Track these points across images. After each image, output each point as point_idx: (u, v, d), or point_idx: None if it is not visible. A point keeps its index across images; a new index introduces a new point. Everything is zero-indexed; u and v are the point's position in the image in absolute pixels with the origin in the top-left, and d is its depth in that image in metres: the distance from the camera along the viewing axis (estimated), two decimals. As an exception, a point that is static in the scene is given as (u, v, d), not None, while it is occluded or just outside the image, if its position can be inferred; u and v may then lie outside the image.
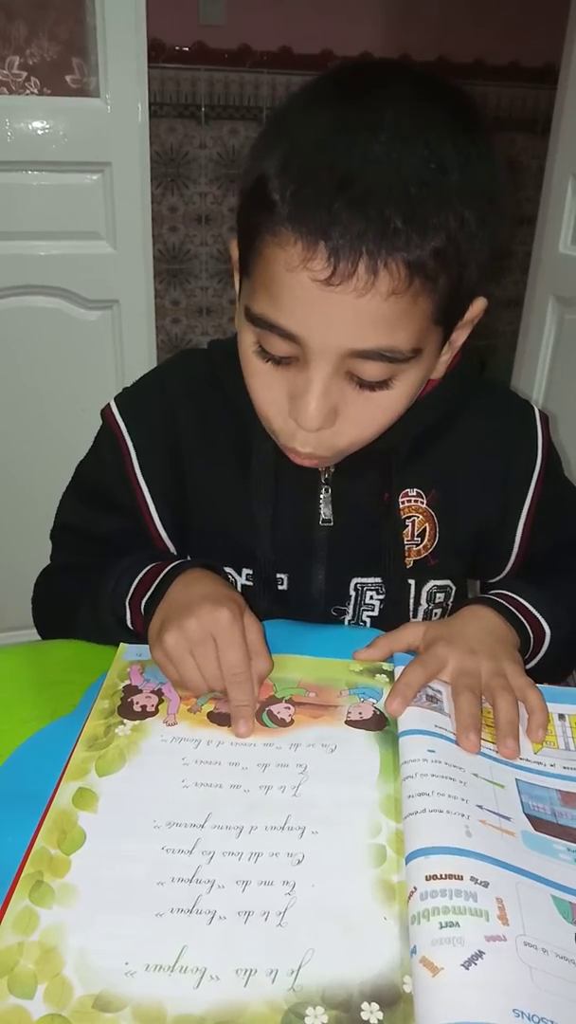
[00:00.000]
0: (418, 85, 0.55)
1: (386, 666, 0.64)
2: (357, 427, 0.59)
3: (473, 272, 0.55)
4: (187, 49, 2.48)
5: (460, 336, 0.62)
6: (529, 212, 2.72)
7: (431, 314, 0.54)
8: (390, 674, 0.63)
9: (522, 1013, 0.38)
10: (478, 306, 0.61)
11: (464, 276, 0.55)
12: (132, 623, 0.67)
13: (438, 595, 0.76)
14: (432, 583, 0.76)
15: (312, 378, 0.55)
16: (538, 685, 0.60)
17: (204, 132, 2.61)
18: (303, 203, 0.50)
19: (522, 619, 0.67)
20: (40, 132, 1.44)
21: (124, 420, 0.74)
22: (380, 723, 0.58)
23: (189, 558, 0.78)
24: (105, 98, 1.45)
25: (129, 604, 0.67)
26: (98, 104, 1.45)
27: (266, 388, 0.59)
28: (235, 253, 0.60)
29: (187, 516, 0.76)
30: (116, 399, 0.75)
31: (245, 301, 0.57)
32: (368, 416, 0.58)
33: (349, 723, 0.58)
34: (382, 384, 0.56)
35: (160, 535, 0.76)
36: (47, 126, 1.44)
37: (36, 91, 1.48)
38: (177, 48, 2.46)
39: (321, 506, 0.72)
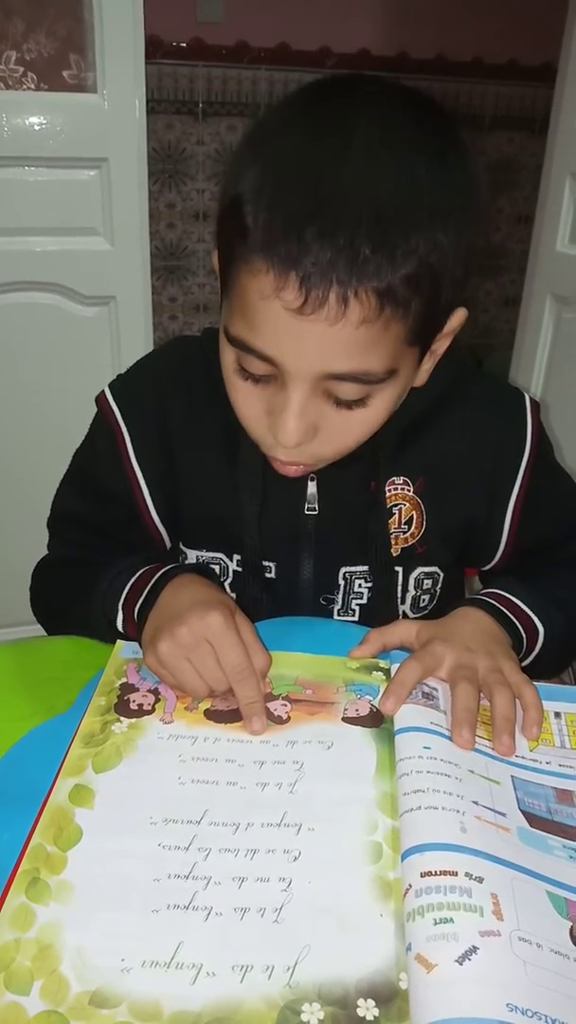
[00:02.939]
0: (391, 101, 0.55)
1: (383, 663, 0.64)
2: (336, 440, 0.60)
3: (448, 290, 0.56)
4: (185, 45, 2.47)
5: (441, 345, 0.63)
6: (527, 210, 2.72)
7: (404, 337, 0.55)
8: (387, 671, 0.63)
9: (516, 1008, 0.38)
10: (458, 317, 0.61)
11: (439, 296, 0.55)
12: (124, 627, 0.67)
13: (425, 582, 0.77)
14: (419, 570, 0.76)
15: (290, 398, 0.56)
16: (535, 683, 0.60)
17: (202, 128, 2.60)
18: (274, 232, 0.51)
19: (514, 620, 0.67)
20: (37, 128, 1.43)
21: (118, 406, 0.74)
22: (377, 720, 0.58)
23: (183, 557, 0.78)
24: (103, 94, 1.44)
25: (122, 608, 0.67)
26: (95, 100, 1.45)
27: (248, 404, 0.60)
28: (216, 265, 0.60)
29: (178, 502, 0.76)
30: (110, 386, 0.76)
31: (224, 322, 0.58)
32: (347, 431, 0.60)
33: (346, 720, 0.58)
34: (359, 402, 0.57)
35: (153, 521, 0.76)
36: (44, 122, 1.43)
37: (33, 86, 1.48)
38: (175, 44, 2.46)
39: (308, 494, 0.72)
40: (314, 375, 0.54)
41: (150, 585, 0.66)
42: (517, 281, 2.64)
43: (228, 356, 0.59)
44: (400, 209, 0.51)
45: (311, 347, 0.53)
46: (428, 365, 0.63)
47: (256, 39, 2.51)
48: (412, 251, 0.51)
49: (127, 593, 0.67)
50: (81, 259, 1.53)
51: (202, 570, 0.70)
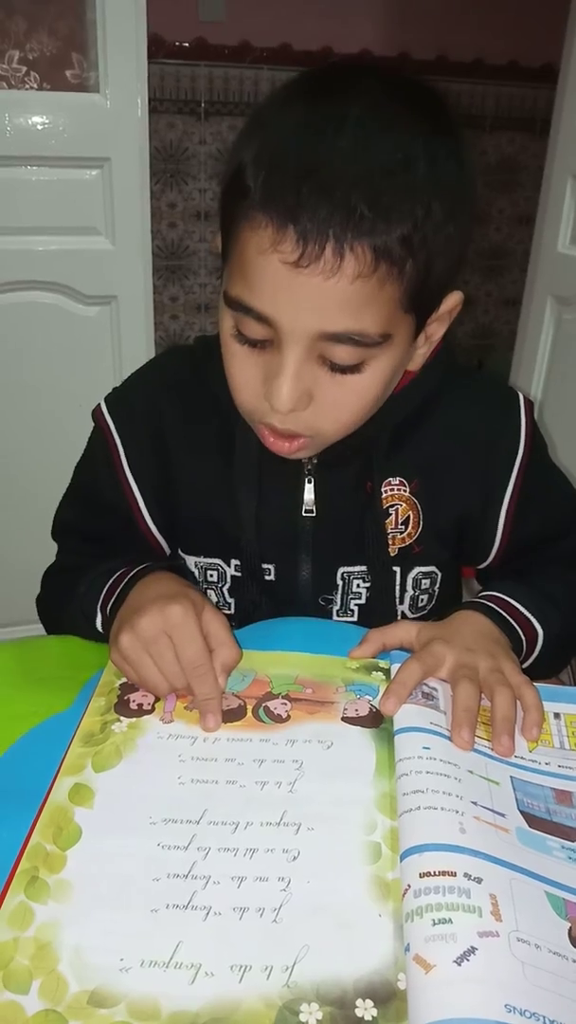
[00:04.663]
0: (387, 85, 0.57)
1: (382, 663, 0.64)
2: (332, 411, 0.60)
3: (442, 264, 0.57)
4: (187, 45, 2.47)
5: (437, 329, 0.63)
6: (528, 211, 2.72)
7: (399, 300, 0.56)
8: (386, 672, 0.63)
9: (514, 1008, 0.38)
10: (454, 299, 0.62)
11: (432, 266, 0.56)
12: (103, 628, 0.68)
13: (423, 581, 0.77)
14: (417, 570, 0.76)
15: (285, 360, 0.56)
16: (535, 683, 0.60)
17: (204, 128, 2.60)
18: (273, 188, 0.53)
19: (513, 623, 0.67)
20: (39, 127, 1.43)
21: (113, 419, 0.75)
22: (376, 720, 0.58)
23: (170, 555, 0.79)
24: (105, 93, 1.44)
25: (100, 609, 0.68)
26: (98, 99, 1.45)
27: (242, 370, 0.60)
28: (219, 243, 0.62)
29: (176, 511, 0.76)
30: (105, 399, 0.77)
31: (224, 286, 0.59)
32: (342, 400, 0.59)
33: (345, 720, 0.58)
34: (354, 368, 0.58)
35: (151, 531, 0.77)
36: (46, 121, 1.43)
37: (36, 86, 1.48)
38: (177, 44, 2.46)
39: (304, 497, 0.73)
40: (309, 335, 0.55)
41: (122, 584, 0.67)
42: (518, 282, 2.63)
43: (227, 322, 0.59)
44: (396, 176, 0.53)
45: (307, 303, 0.54)
46: (423, 349, 0.64)
47: (258, 39, 2.51)
48: (408, 213, 0.53)
49: (104, 594, 0.68)
50: (83, 258, 1.53)
51: (174, 569, 0.70)
